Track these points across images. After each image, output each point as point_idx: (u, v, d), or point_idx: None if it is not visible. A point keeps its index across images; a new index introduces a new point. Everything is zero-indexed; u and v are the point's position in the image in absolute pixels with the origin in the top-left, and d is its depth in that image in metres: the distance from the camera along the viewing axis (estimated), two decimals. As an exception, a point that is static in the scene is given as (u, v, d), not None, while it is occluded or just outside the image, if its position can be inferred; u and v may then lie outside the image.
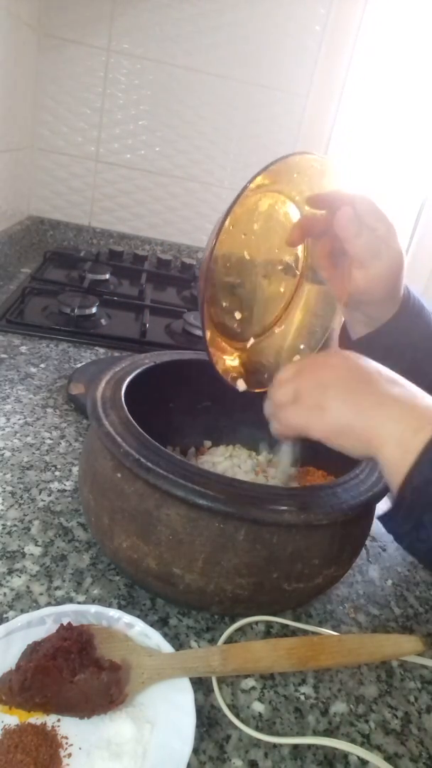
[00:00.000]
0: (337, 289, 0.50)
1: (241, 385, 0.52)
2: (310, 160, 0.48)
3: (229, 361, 0.54)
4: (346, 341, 0.54)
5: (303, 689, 0.40)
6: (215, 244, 0.43)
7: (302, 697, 0.39)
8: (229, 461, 0.59)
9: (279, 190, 0.50)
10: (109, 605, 0.42)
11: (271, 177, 0.47)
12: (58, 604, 0.42)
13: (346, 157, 1.33)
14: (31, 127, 1.24)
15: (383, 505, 0.51)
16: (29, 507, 0.51)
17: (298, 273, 0.56)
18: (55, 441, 0.62)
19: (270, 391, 0.43)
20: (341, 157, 1.32)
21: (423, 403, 0.36)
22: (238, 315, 0.53)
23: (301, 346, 0.57)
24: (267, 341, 0.57)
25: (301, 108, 1.29)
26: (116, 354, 0.87)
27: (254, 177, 0.43)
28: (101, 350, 0.87)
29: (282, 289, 0.56)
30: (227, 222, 0.42)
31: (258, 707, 0.38)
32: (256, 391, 0.52)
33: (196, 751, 0.34)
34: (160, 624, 0.42)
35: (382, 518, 0.36)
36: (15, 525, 0.49)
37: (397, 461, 0.34)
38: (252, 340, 0.56)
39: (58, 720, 0.33)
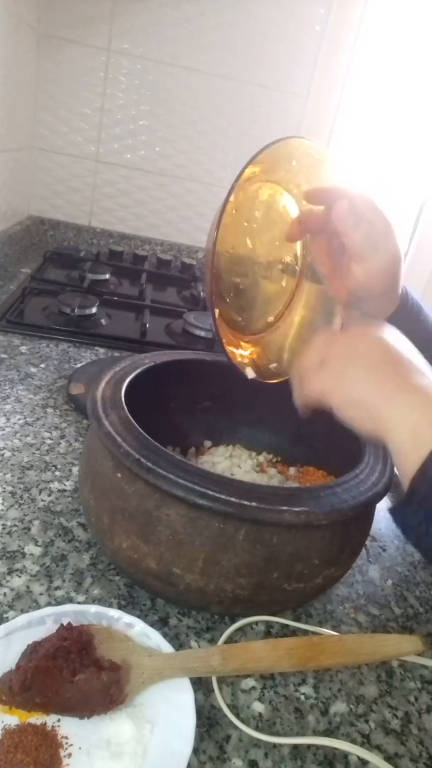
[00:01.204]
0: (336, 286, 0.50)
1: (249, 373, 0.51)
2: (308, 147, 0.48)
3: (241, 352, 0.53)
4: None
5: (303, 689, 0.40)
6: (221, 215, 0.42)
7: (302, 697, 0.39)
8: (229, 461, 0.59)
9: (278, 180, 0.50)
10: (109, 605, 0.42)
11: (271, 162, 0.47)
12: (58, 604, 0.42)
13: (346, 157, 1.33)
14: (31, 127, 1.24)
15: (383, 505, 0.51)
16: (29, 507, 0.51)
17: (298, 270, 0.56)
18: (55, 441, 0.62)
19: (299, 355, 0.42)
20: (341, 154, 1.32)
21: None
22: (243, 308, 0.53)
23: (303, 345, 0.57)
24: (271, 337, 0.57)
25: (301, 108, 1.29)
26: (116, 354, 0.87)
27: (256, 155, 0.42)
28: (101, 350, 0.87)
29: (283, 284, 0.56)
30: (232, 197, 0.42)
31: (258, 707, 0.38)
32: (269, 381, 0.52)
33: (196, 751, 0.34)
34: (160, 624, 0.42)
35: (393, 510, 0.36)
36: (15, 525, 0.49)
37: (409, 450, 0.34)
38: (259, 335, 0.55)
39: (58, 720, 0.33)
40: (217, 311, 0.48)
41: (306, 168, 0.49)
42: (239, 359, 0.52)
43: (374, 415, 0.36)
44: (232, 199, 0.42)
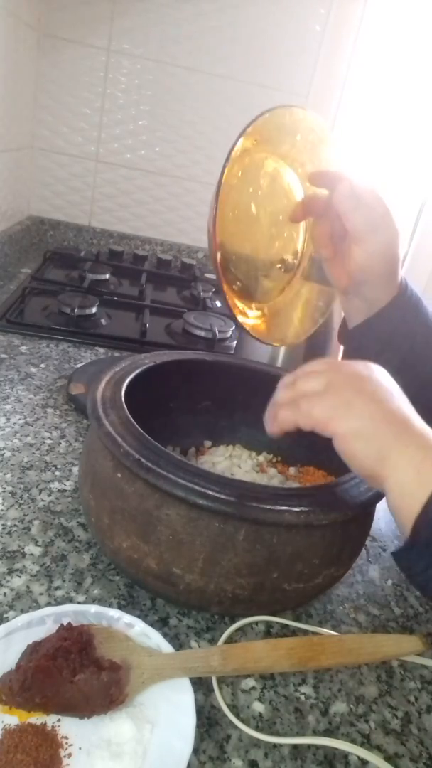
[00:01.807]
0: (337, 271, 0.51)
1: (251, 331, 0.50)
2: (311, 122, 0.50)
3: (245, 320, 0.53)
4: (345, 331, 0.55)
5: (303, 689, 0.40)
6: (226, 164, 0.43)
7: (302, 697, 0.39)
8: (229, 461, 0.59)
9: (283, 154, 0.50)
10: (109, 605, 0.42)
11: (274, 131, 0.47)
12: (58, 604, 0.42)
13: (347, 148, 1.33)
14: (31, 127, 1.24)
15: (383, 505, 0.51)
16: (29, 507, 0.51)
17: (300, 250, 0.56)
18: (55, 441, 0.62)
19: (293, 381, 0.40)
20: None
21: None
22: (248, 276, 0.53)
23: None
24: (276, 306, 0.57)
25: (301, 108, 1.29)
26: (116, 354, 0.87)
27: (260, 115, 0.43)
28: (101, 350, 0.87)
29: (287, 258, 0.57)
30: (239, 143, 0.43)
31: (258, 707, 0.38)
32: (274, 344, 0.52)
33: (196, 751, 0.34)
34: (160, 624, 0.42)
35: (396, 554, 0.34)
36: (15, 525, 0.49)
37: (413, 490, 0.32)
38: (264, 303, 0.56)
39: (58, 720, 0.33)
40: (219, 254, 0.46)
41: (310, 145, 0.50)
42: (240, 313, 0.50)
43: (382, 450, 0.34)
44: (239, 145, 0.42)
